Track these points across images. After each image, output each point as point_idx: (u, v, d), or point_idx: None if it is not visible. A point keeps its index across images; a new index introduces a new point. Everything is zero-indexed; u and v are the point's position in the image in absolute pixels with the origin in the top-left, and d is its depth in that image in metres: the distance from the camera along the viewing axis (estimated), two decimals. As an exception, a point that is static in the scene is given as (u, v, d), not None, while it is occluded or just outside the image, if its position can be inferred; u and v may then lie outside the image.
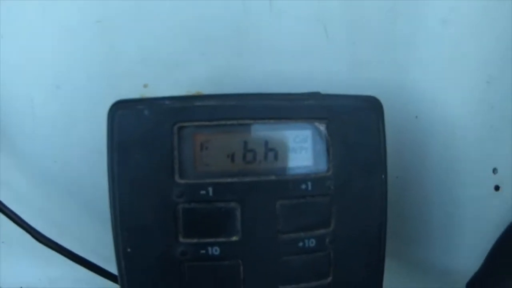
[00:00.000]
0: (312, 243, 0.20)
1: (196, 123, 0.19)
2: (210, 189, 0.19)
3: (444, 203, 0.28)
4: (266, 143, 0.19)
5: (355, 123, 0.20)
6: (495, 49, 0.26)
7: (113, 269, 0.25)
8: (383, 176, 0.20)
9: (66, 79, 0.26)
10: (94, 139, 0.27)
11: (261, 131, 0.19)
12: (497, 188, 0.27)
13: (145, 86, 0.25)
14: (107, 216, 0.27)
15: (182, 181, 0.19)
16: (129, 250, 0.19)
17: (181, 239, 0.19)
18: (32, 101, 0.27)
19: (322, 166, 0.20)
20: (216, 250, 0.19)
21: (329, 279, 0.20)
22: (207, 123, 0.19)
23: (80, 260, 0.27)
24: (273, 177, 0.19)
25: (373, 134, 0.20)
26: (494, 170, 0.27)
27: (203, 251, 0.19)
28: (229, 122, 0.19)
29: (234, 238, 0.19)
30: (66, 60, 0.26)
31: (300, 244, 0.20)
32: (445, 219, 0.28)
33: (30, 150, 0.28)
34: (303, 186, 0.19)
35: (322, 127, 0.19)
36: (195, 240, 0.19)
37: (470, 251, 0.26)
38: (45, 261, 0.32)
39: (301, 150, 0.19)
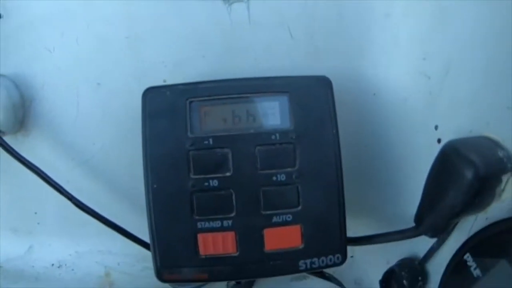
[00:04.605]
0: (283, 177, 0.26)
1: (200, 99, 0.26)
2: (211, 140, 0.25)
3: (399, 156, 0.32)
4: (248, 111, 0.26)
5: (310, 94, 0.26)
6: (427, 32, 0.29)
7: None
8: (334, 131, 0.26)
9: (105, 78, 0.32)
10: (126, 125, 0.32)
11: (244, 103, 0.26)
12: (439, 141, 0.29)
13: (164, 81, 0.31)
14: (132, 186, 0.31)
15: (192, 135, 0.26)
16: (155, 186, 0.25)
17: (192, 175, 0.25)
18: (77, 95, 0.32)
19: (286, 124, 0.26)
20: (215, 182, 0.25)
21: (299, 207, 0.26)
22: (207, 98, 0.26)
23: (112, 224, 0.30)
24: (252, 131, 0.26)
25: (324, 101, 0.26)
26: (436, 127, 0.29)
27: (206, 183, 0.25)
28: (222, 97, 0.26)
29: (228, 174, 0.25)
30: (104, 64, 0.31)
31: (274, 178, 0.26)
32: (401, 168, 0.32)
33: (73, 134, 0.33)
34: (273, 137, 0.26)
35: (285, 98, 0.26)
36: (201, 176, 0.25)
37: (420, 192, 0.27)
38: (75, 240, 0.37)
39: (271, 114, 0.26)
